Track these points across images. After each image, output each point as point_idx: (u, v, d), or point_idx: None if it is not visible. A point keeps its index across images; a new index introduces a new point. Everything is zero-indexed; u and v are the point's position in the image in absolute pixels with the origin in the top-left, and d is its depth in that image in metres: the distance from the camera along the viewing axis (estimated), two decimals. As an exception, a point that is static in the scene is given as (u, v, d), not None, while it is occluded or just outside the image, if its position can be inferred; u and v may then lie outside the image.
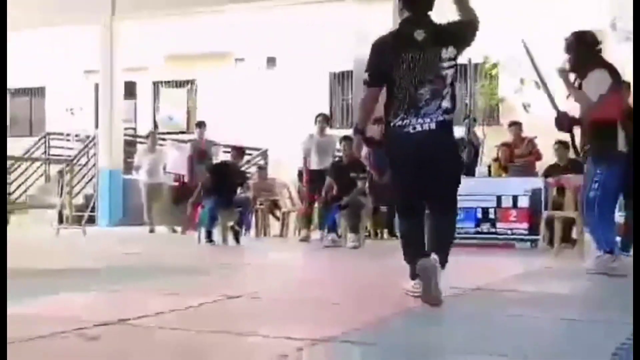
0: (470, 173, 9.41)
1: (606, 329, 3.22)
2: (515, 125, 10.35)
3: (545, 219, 8.14)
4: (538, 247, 8.22)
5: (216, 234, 9.21)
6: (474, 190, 8.69)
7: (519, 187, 8.48)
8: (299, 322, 3.42)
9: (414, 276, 3.95)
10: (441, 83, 4.00)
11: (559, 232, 7.90)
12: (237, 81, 16.21)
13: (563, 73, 5.36)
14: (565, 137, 9.29)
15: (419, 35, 3.99)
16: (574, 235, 8.37)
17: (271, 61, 16.25)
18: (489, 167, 10.54)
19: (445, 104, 4.01)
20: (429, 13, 4.07)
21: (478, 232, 8.61)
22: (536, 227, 8.26)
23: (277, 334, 2.97)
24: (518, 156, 10.04)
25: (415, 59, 3.99)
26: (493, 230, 8.53)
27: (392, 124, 4.05)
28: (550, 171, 8.95)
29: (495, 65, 13.41)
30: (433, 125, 3.98)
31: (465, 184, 8.91)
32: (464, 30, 4.10)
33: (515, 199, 8.43)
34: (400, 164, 4.11)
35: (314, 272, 6.23)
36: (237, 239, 9.19)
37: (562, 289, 4.94)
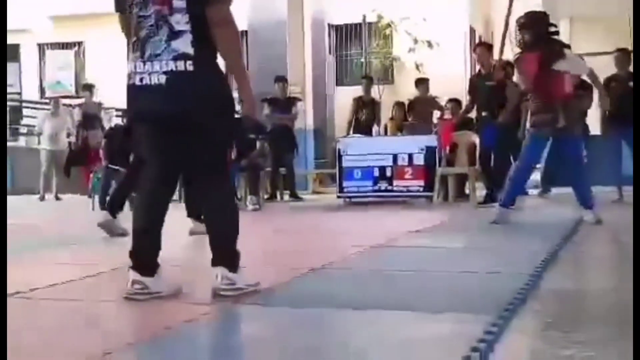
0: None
1: (503, 279, 3.33)
2: (423, 83, 10.09)
3: (439, 175, 8.39)
4: (433, 203, 8.43)
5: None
6: (371, 150, 8.84)
7: (414, 145, 8.64)
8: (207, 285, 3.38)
9: None
10: (167, 3, 2.77)
11: (452, 187, 8.19)
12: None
13: None
14: (457, 95, 9.56)
15: None
16: (467, 190, 8.69)
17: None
18: (386, 126, 10.72)
19: (180, 45, 2.77)
20: None
21: (376, 190, 8.75)
22: (431, 184, 8.46)
23: (186, 300, 2.94)
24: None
25: None
26: (390, 187, 8.69)
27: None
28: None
29: (389, 25, 13.55)
30: (162, 79, 2.80)
31: (363, 143, 9.10)
32: None
33: (410, 157, 8.58)
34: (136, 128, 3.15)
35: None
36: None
37: (458, 242, 5.11)
